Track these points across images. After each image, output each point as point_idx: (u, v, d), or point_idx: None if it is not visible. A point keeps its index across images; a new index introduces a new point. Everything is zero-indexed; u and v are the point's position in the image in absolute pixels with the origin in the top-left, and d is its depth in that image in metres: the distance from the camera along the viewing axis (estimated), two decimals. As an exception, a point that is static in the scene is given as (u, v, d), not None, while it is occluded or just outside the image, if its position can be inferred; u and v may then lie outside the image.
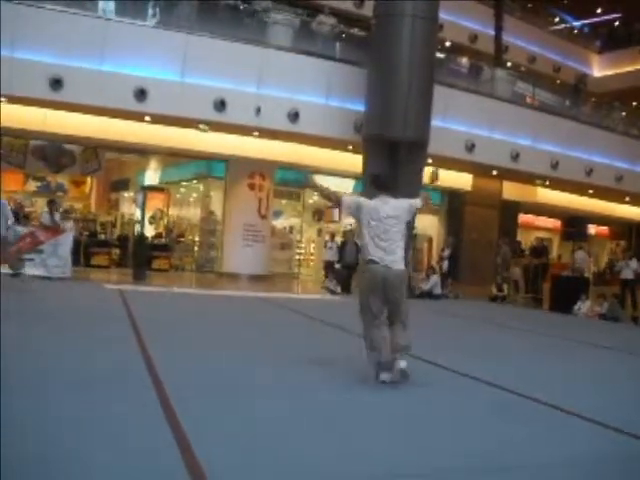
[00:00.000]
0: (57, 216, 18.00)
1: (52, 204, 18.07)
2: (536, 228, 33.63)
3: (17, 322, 9.15)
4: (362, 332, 7.43)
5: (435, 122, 20.68)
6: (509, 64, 31.87)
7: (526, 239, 28.89)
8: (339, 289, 19.70)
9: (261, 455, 4.61)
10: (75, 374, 6.43)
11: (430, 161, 21.83)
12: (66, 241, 17.03)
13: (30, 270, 16.25)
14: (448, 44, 29.74)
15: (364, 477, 4.40)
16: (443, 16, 22.53)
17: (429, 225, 27.87)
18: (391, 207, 7.33)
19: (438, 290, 20.80)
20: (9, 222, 14.79)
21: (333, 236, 22.58)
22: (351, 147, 21.85)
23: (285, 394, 6.47)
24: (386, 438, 5.26)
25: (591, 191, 28.87)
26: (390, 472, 4.52)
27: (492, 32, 31.41)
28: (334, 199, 8.39)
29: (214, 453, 4.48)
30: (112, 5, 19.19)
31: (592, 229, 31.25)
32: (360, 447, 4.97)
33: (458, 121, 22.82)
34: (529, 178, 27.05)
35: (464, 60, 27.34)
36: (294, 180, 25.51)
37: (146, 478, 4.06)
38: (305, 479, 4.31)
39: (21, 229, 16.82)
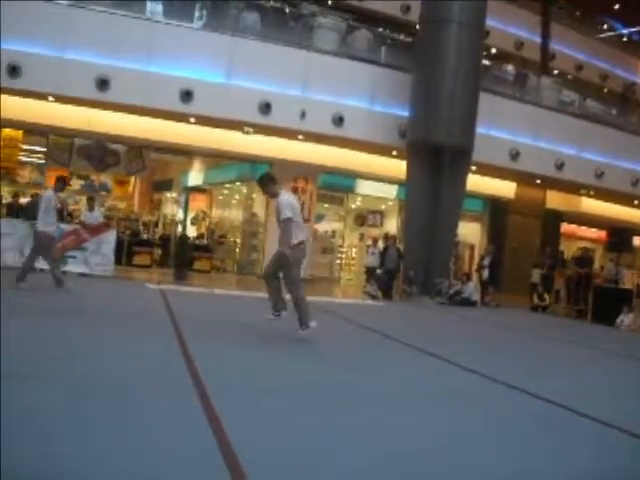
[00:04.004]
0: (97, 212, 18.19)
1: (90, 200, 18.27)
2: (579, 238, 33.18)
3: (59, 319, 9.25)
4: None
5: (480, 129, 20.59)
6: (556, 72, 31.60)
7: (569, 249, 28.54)
8: (380, 294, 19.64)
9: (297, 451, 4.60)
10: (116, 371, 6.45)
11: (474, 168, 21.68)
12: (109, 239, 17.18)
13: (72, 267, 16.44)
14: (494, 51, 29.56)
15: None
16: (489, 23, 22.43)
17: (471, 232, 27.66)
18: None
19: (475, 297, 20.62)
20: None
21: (376, 241, 22.18)
22: (395, 153, 21.79)
23: (329, 395, 6.45)
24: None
25: (637, 202, 28.50)
26: None
27: (539, 39, 31.26)
28: None
29: (255, 452, 4.46)
30: (159, 7, 19.39)
31: (637, 240, 30.69)
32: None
33: (503, 129, 22.70)
34: (573, 188, 26.75)
35: (510, 67, 27.16)
36: (337, 184, 25.45)
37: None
38: None
39: (66, 227, 17.00)
